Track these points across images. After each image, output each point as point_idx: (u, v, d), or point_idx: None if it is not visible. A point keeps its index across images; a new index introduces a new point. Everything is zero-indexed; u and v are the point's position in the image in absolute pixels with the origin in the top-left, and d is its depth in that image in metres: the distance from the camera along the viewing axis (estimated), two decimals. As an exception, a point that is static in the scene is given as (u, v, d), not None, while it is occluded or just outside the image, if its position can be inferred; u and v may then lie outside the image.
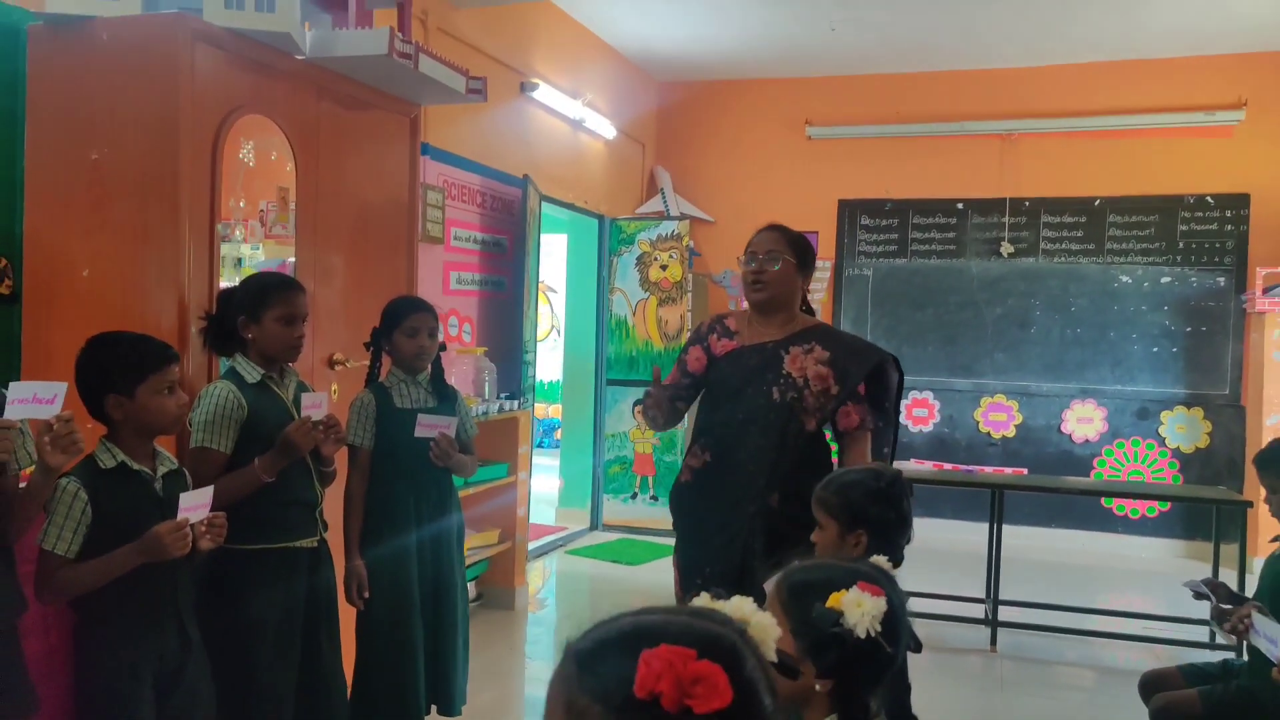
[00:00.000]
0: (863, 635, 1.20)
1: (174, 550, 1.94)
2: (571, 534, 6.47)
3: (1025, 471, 6.60)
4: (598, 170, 6.67)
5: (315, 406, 2.36)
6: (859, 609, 1.21)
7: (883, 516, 1.85)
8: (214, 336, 2.44)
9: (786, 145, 7.20)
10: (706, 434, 2.70)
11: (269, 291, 2.38)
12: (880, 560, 1.46)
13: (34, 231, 2.60)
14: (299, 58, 2.89)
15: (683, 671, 0.71)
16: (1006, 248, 6.77)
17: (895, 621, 1.25)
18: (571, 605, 5.30)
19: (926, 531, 6.45)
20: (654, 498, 6.55)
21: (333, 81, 3.05)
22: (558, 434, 9.41)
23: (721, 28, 6.21)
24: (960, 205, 6.88)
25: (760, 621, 0.82)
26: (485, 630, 4.37)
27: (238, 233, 2.86)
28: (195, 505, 1.99)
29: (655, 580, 5.37)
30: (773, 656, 0.80)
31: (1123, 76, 6.51)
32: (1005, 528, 4.65)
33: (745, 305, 2.82)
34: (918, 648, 1.36)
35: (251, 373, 2.40)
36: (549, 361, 9.09)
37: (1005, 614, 4.55)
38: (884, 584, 1.29)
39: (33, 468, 1.89)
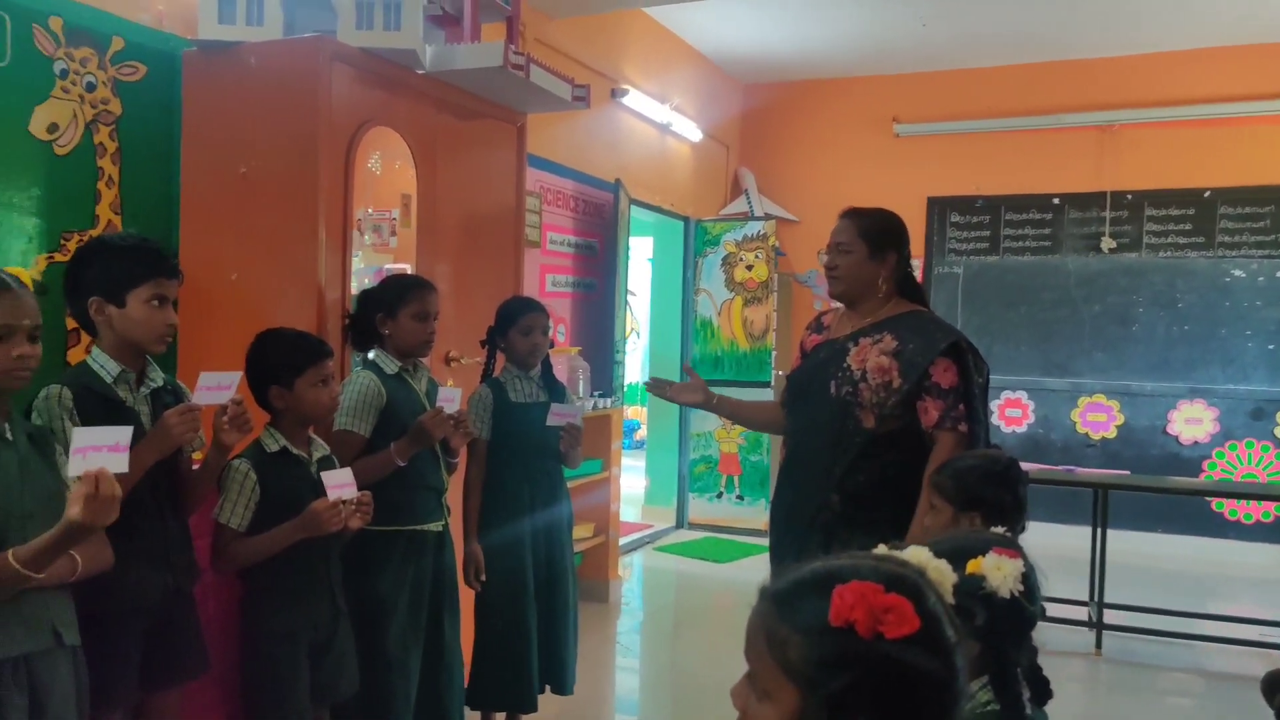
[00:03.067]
0: (1006, 595, 1.28)
1: (329, 525, 2.12)
2: (658, 531, 6.58)
3: (1128, 474, 6.48)
4: (683, 173, 6.78)
5: (449, 401, 2.53)
6: (1000, 571, 1.28)
7: (998, 499, 1.86)
8: (355, 333, 2.63)
9: (873, 143, 7.19)
10: (787, 430, 2.65)
11: (405, 290, 2.56)
12: (998, 530, 1.52)
13: (189, 239, 2.84)
14: (420, 72, 3.06)
15: (874, 602, 0.81)
16: (1107, 243, 6.63)
17: (1032, 582, 1.32)
18: (659, 600, 5.40)
19: (1022, 534, 6.34)
20: (740, 497, 6.62)
21: (449, 94, 3.22)
22: (638, 435, 9.53)
23: (807, 29, 6.26)
24: (1056, 200, 6.78)
25: (938, 567, 0.91)
26: (580, 621, 4.49)
27: (368, 239, 3.05)
28: (340, 484, 2.17)
29: (742, 578, 5.44)
30: (950, 599, 0.90)
31: (1232, 62, 6.31)
32: (1110, 532, 4.56)
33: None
34: (1044, 613, 1.43)
35: (390, 365, 2.58)
36: (628, 363, 9.21)
37: (1109, 617, 4.47)
38: (1016, 549, 1.35)
39: (201, 452, 2.09)
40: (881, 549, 0.96)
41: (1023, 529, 1.88)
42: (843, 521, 2.39)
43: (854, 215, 2.51)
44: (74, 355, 2.54)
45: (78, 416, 1.86)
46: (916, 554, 0.93)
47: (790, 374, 2.68)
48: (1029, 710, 1.32)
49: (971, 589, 1.27)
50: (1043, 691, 1.36)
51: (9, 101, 2.43)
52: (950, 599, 0.90)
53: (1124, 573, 5.29)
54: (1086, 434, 6.69)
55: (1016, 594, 1.29)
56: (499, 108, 3.49)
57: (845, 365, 2.44)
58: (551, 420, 2.85)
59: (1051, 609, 4.58)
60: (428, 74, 3.09)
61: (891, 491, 2.37)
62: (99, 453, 1.56)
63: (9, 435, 1.70)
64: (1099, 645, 4.38)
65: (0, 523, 1.63)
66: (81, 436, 1.57)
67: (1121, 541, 5.96)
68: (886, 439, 2.39)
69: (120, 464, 1.59)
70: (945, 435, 2.34)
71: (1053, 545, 6.22)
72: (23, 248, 2.48)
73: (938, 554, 1.37)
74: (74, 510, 1.52)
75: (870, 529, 2.31)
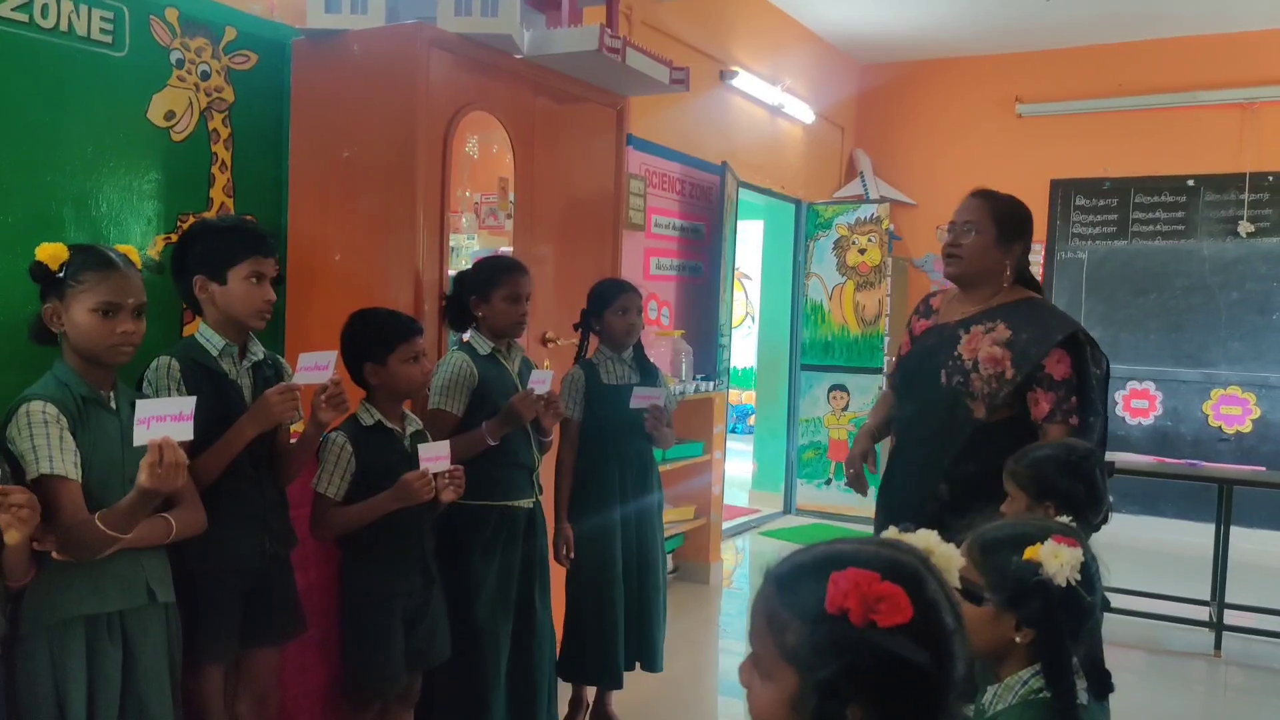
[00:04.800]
0: (1062, 584, 1.25)
1: (421, 495, 2.20)
2: (764, 516, 6.54)
3: (1264, 470, 6.07)
4: (795, 155, 6.67)
5: (540, 382, 2.58)
6: (1057, 559, 1.26)
7: (1071, 490, 1.82)
8: (451, 314, 2.70)
9: (995, 124, 6.92)
10: (896, 418, 2.62)
11: (497, 273, 2.62)
12: (1063, 519, 1.48)
13: (296, 222, 2.97)
14: (517, 56, 3.10)
15: (868, 591, 0.81)
16: (1246, 227, 6.22)
17: (1091, 572, 1.28)
18: (765, 585, 5.37)
19: (1144, 530, 6.08)
20: (848, 484, 6.50)
21: (547, 78, 3.26)
22: (750, 420, 9.49)
23: (926, 6, 6.06)
24: (1190, 182, 6.38)
25: (944, 552, 0.90)
26: (680, 602, 4.53)
27: (464, 222, 3.13)
28: (434, 457, 2.24)
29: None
30: (956, 584, 0.88)
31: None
32: (1238, 530, 4.30)
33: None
34: (1108, 605, 1.38)
35: (483, 346, 2.64)
36: (743, 348, 9.16)
37: (1232, 618, 4.24)
38: (1076, 537, 1.32)
39: (300, 425, 2.20)
40: (891, 532, 0.94)
41: (1104, 520, 1.82)
42: (951, 512, 2.26)
43: (987, 196, 2.43)
44: (189, 330, 2.70)
45: (184, 386, 1.98)
46: (924, 538, 0.91)
47: (899, 359, 2.64)
48: (1086, 701, 1.28)
49: (1026, 574, 1.24)
50: (1103, 684, 1.31)
51: (129, 90, 2.59)
52: (956, 584, 0.88)
53: (1254, 573, 4.99)
54: (1220, 427, 6.29)
55: (1073, 583, 1.26)
56: (598, 91, 3.51)
57: (956, 354, 2.39)
58: (634, 403, 2.87)
59: (1171, 608, 4.40)
60: (525, 58, 3.13)
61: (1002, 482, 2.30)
62: (163, 422, 1.65)
63: (113, 404, 1.83)
64: (1218, 646, 4.16)
65: (102, 486, 1.76)
66: (144, 408, 1.66)
67: (1254, 541, 5.62)
68: (997, 429, 2.34)
69: (185, 432, 1.68)
70: (1055, 428, 2.29)
71: (1177, 543, 5.92)
72: (142, 229, 2.64)
73: (1002, 540, 1.34)
74: (142, 477, 1.64)
75: (977, 518, 2.27)
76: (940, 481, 2.36)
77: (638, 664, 3.07)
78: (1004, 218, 2.39)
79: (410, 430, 2.39)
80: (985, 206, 2.40)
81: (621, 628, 2.95)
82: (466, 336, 2.71)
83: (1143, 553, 5.41)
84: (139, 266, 1.88)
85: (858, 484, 2.67)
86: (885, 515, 2.57)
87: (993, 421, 2.34)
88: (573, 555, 2.93)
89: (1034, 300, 2.44)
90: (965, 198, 2.46)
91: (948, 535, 1.52)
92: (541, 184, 3.30)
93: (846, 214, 6.59)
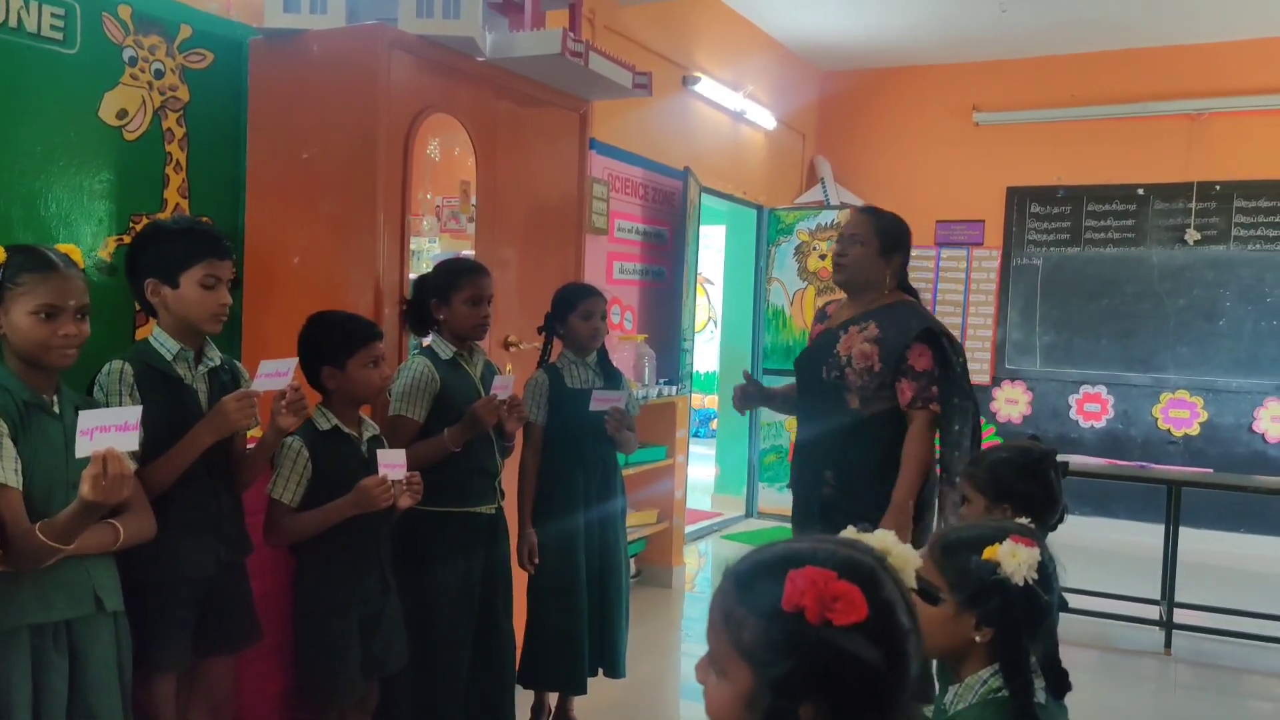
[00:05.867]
0: (1020, 583, 1.27)
1: (379, 501, 2.17)
2: (727, 520, 6.56)
3: (1211, 472, 6.22)
4: (757, 161, 6.72)
5: (503, 387, 2.56)
6: (1015, 558, 1.28)
7: (1028, 492, 1.87)
8: (412, 319, 2.68)
9: (953, 132, 7.03)
10: (797, 413, 2.92)
11: (457, 276, 2.59)
12: (1022, 521, 1.51)
13: (254, 223, 2.92)
14: (480, 59, 3.09)
15: (824, 589, 0.81)
16: (1193, 235, 6.38)
17: (1048, 572, 1.31)
18: (726, 588, 5.38)
19: (1097, 531, 6.21)
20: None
21: (510, 81, 3.24)
22: (713, 424, 9.51)
23: (886, 15, 6.14)
24: (1140, 191, 6.53)
25: (901, 552, 0.91)
26: (643, 606, 4.52)
27: (426, 225, 3.11)
28: (393, 464, 2.21)
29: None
30: (913, 584, 0.89)
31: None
32: (1189, 531, 4.40)
33: None
34: (1065, 605, 1.41)
35: (445, 350, 2.62)
36: (705, 352, 9.18)
37: (1182, 617, 4.33)
38: (1034, 538, 1.34)
39: (256, 430, 2.16)
40: (850, 531, 0.95)
41: (1060, 520, 1.87)
42: (841, 495, 2.61)
43: (872, 212, 2.75)
44: (143, 334, 2.64)
45: (137, 392, 1.94)
46: (881, 538, 0.92)
47: (795, 360, 2.93)
48: (1044, 700, 1.30)
49: (985, 573, 1.26)
50: (1061, 683, 1.34)
51: (80, 88, 2.53)
52: (913, 584, 0.89)
53: (1204, 572, 5.12)
54: (1168, 430, 6.45)
55: (1031, 582, 1.29)
56: (561, 95, 3.50)
57: (835, 352, 2.67)
58: (594, 405, 2.86)
59: (1122, 607, 4.49)
60: (488, 61, 3.11)
61: (883, 469, 2.57)
62: (107, 432, 1.60)
63: (56, 409, 1.77)
64: (1168, 644, 4.25)
65: (45, 493, 1.71)
66: (87, 418, 1.61)
67: (1204, 541, 5.77)
68: (875, 420, 2.61)
69: (130, 443, 1.63)
70: (919, 414, 2.57)
71: (1129, 543, 6.03)
72: (93, 230, 2.59)
73: (962, 541, 1.36)
74: (84, 489, 1.59)
75: (862, 502, 2.54)
76: (827, 469, 2.64)
77: (600, 670, 3.06)
78: (885, 232, 2.68)
79: (367, 435, 2.37)
80: (870, 221, 2.70)
81: (586, 632, 2.94)
82: (428, 341, 2.69)
83: (1095, 553, 5.51)
84: (82, 266, 1.83)
85: (737, 399, 2.92)
86: (794, 503, 2.85)
87: (868, 414, 2.61)
88: (538, 561, 2.92)
89: (905, 303, 2.72)
90: (852, 213, 2.78)
91: (840, 519, 1.55)
92: (504, 187, 3.29)
93: (807, 220, 6.64)
